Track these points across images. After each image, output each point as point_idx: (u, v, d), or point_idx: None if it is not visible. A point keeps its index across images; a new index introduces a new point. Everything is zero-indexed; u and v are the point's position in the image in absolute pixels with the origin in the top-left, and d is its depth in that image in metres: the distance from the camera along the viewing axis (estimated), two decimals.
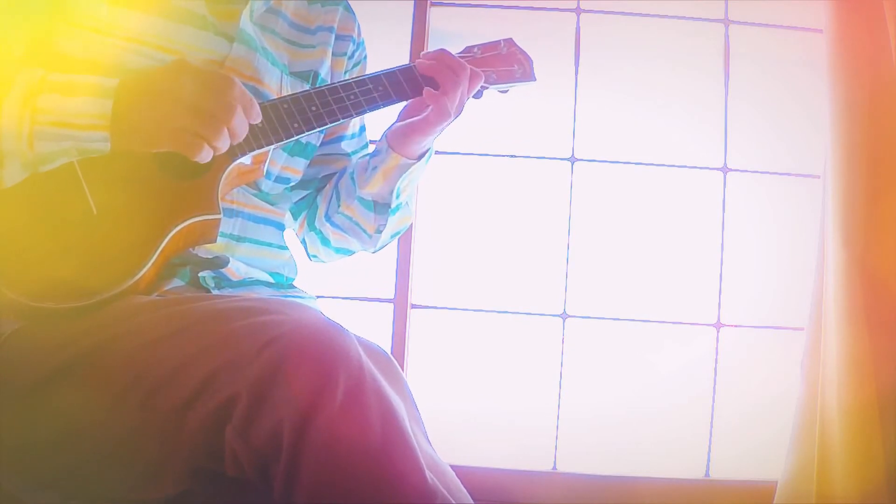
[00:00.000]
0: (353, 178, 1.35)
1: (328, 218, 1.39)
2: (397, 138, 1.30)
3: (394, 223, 1.38)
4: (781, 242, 2.10)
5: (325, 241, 1.43)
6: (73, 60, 1.10)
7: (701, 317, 2.07)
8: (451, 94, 1.25)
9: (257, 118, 1.09)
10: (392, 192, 1.33)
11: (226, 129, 1.05)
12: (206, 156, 1.05)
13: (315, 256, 1.47)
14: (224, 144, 1.06)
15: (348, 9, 1.39)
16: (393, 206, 1.35)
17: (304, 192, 1.42)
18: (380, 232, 1.37)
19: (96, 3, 1.12)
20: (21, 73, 1.04)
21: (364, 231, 1.38)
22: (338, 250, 1.44)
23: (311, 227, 1.43)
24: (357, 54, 1.41)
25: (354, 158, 1.43)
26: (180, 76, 1.05)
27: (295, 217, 1.44)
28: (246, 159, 1.15)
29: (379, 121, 1.38)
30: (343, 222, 1.38)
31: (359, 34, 1.41)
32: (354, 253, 1.45)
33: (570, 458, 2.02)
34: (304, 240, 1.46)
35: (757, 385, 2.05)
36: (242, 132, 1.08)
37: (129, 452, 0.99)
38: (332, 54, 1.36)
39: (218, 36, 1.20)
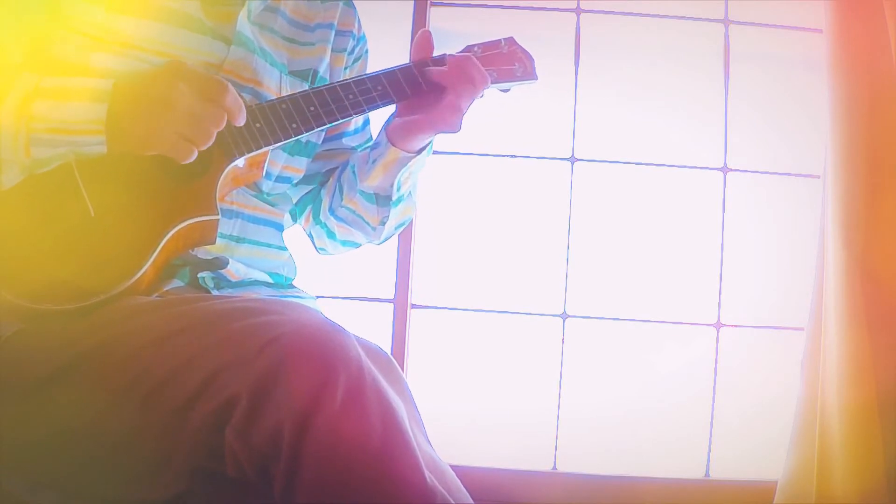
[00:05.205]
0: (354, 172, 1.36)
1: (332, 211, 1.40)
2: (398, 134, 1.30)
3: (397, 214, 1.39)
4: (781, 242, 2.10)
5: (330, 235, 1.43)
6: (69, 65, 1.10)
7: (701, 317, 2.07)
8: (465, 101, 1.26)
9: (241, 122, 1.10)
10: (393, 184, 1.33)
11: (215, 135, 1.06)
12: (192, 158, 1.06)
13: (323, 249, 1.48)
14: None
15: (349, 4, 1.39)
16: (394, 198, 1.35)
17: (309, 188, 1.42)
18: (383, 224, 1.38)
19: (92, 8, 1.12)
20: (16, 80, 1.04)
21: (367, 223, 1.38)
22: (344, 243, 1.45)
23: (317, 220, 1.43)
24: (357, 49, 1.41)
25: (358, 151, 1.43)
26: (175, 80, 1.05)
27: (300, 212, 1.45)
28: (241, 161, 1.15)
29: (381, 113, 1.37)
30: (347, 215, 1.39)
31: (359, 29, 1.40)
32: (361, 245, 1.45)
33: (570, 458, 2.02)
34: (310, 233, 1.47)
35: (757, 385, 2.05)
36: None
37: (130, 453, 0.99)
38: (332, 50, 1.35)
39: (216, 39, 1.19)
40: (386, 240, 1.44)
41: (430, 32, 1.32)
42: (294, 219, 1.43)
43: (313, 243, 1.48)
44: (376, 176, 1.32)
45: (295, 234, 1.40)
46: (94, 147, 1.04)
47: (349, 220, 1.39)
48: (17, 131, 1.02)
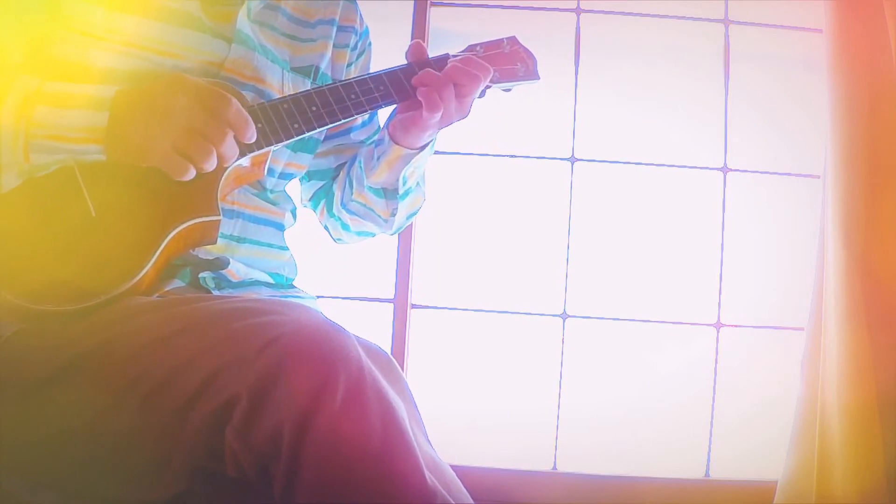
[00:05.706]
0: (361, 167, 1.37)
1: (344, 205, 1.42)
2: (398, 131, 1.31)
3: (406, 206, 1.41)
4: (781, 242, 2.10)
5: (345, 227, 1.46)
6: (69, 66, 1.10)
7: (701, 317, 2.07)
8: (440, 88, 1.24)
9: (251, 139, 1.10)
10: (398, 179, 1.34)
11: (215, 152, 1.06)
12: (188, 176, 1.06)
13: (339, 240, 1.51)
14: (210, 166, 1.07)
15: (350, 0, 1.40)
16: (401, 192, 1.37)
17: (321, 182, 1.45)
18: (393, 216, 1.40)
19: (92, 8, 1.11)
20: (17, 82, 1.04)
21: (378, 216, 1.41)
22: (359, 233, 1.47)
23: (331, 214, 1.46)
24: (360, 44, 1.41)
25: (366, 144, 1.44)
26: (176, 92, 1.05)
27: (315, 205, 1.48)
28: (245, 160, 1.15)
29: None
30: (358, 209, 1.41)
31: (361, 24, 1.41)
32: (376, 235, 1.48)
33: (570, 458, 2.02)
34: (326, 226, 1.50)
35: (757, 385, 2.05)
36: (232, 155, 1.08)
37: (130, 453, 0.99)
38: (334, 46, 1.36)
39: (216, 38, 1.19)
40: (399, 229, 1.47)
41: (420, 42, 1.33)
42: (295, 217, 1.44)
43: (330, 234, 1.51)
44: (381, 172, 1.34)
45: (295, 234, 1.41)
46: (93, 155, 1.05)
47: (361, 213, 1.41)
48: (16, 135, 1.02)
